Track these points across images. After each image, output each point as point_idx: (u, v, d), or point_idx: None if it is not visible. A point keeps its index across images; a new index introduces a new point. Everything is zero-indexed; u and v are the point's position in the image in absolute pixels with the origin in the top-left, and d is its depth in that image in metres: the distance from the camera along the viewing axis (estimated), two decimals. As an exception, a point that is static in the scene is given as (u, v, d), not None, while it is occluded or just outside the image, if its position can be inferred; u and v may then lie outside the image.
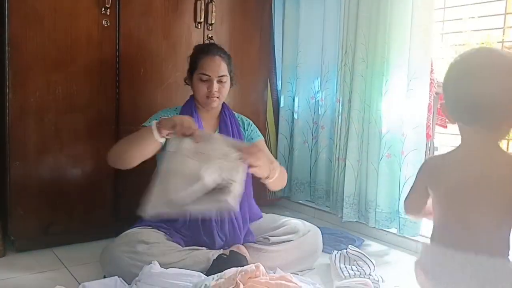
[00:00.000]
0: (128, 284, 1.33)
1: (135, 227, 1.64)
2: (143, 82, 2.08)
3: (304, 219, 1.90)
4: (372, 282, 1.61)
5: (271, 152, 2.68)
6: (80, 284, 1.30)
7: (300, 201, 2.63)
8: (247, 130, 1.89)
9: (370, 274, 1.66)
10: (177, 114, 1.78)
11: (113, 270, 1.46)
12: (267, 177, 1.63)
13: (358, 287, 1.60)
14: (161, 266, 1.37)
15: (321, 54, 2.47)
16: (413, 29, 1.96)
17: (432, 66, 2.28)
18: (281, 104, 2.68)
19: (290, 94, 2.65)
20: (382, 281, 1.65)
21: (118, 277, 1.33)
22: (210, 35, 2.24)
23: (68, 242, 1.94)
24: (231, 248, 1.60)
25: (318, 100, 2.51)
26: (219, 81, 1.74)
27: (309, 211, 2.56)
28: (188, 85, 1.82)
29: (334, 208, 2.32)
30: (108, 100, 1.98)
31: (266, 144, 2.69)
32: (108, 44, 1.96)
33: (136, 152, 1.55)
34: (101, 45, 1.94)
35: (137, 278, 1.31)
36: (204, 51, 1.76)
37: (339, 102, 2.30)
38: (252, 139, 1.87)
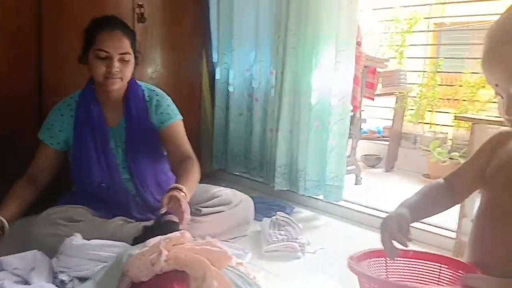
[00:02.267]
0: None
1: (57, 205, 1.58)
2: (69, 51, 1.97)
3: (239, 190, 1.94)
4: (299, 245, 1.70)
5: (203, 127, 2.68)
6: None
7: (235, 173, 2.67)
8: (156, 114, 1.70)
9: (297, 238, 1.74)
10: (73, 106, 1.64)
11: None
12: None
13: (284, 250, 1.69)
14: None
15: (255, 26, 2.47)
16: (341, 2, 2.01)
17: (360, 40, 2.38)
18: (217, 77, 2.67)
19: (226, 66, 2.64)
20: (308, 244, 1.75)
21: (38, 250, 1.30)
22: (140, 3, 2.17)
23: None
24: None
25: (253, 73, 2.53)
26: (121, 60, 1.55)
27: (244, 182, 2.62)
28: (84, 64, 1.60)
29: (267, 178, 2.39)
30: (30, 69, 1.88)
31: (202, 117, 2.69)
32: (27, 9, 1.83)
33: None
34: (18, 10, 1.81)
35: (59, 251, 1.29)
36: (102, 23, 1.56)
37: (273, 74, 2.33)
38: (162, 123, 1.70)
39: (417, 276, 0.94)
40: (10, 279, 1.12)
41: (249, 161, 2.56)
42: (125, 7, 2.14)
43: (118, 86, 1.59)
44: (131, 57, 1.59)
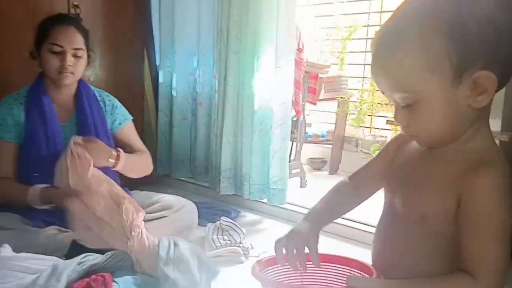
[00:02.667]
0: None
1: None
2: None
3: (184, 196, 1.91)
4: (242, 250, 1.70)
5: (147, 131, 2.61)
6: None
7: (181, 178, 2.63)
8: (111, 114, 1.76)
9: (240, 243, 1.74)
10: (22, 101, 1.61)
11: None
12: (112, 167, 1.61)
13: (228, 255, 1.68)
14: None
15: (197, 29, 2.45)
16: (279, 8, 2.04)
17: (301, 46, 2.43)
18: (160, 80, 2.62)
19: (169, 70, 2.60)
20: (252, 248, 1.75)
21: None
22: (76, 3, 2.09)
23: None
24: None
25: (197, 77, 2.51)
26: (74, 55, 1.59)
27: (189, 187, 2.58)
28: (35, 59, 1.63)
29: (212, 183, 2.37)
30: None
31: (145, 122, 2.62)
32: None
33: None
34: None
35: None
36: (57, 19, 1.60)
37: (216, 78, 2.33)
38: (119, 124, 1.77)
39: (330, 280, 0.91)
40: None
41: (194, 166, 2.54)
42: (60, 8, 2.04)
43: (70, 81, 1.62)
44: (84, 53, 1.62)
